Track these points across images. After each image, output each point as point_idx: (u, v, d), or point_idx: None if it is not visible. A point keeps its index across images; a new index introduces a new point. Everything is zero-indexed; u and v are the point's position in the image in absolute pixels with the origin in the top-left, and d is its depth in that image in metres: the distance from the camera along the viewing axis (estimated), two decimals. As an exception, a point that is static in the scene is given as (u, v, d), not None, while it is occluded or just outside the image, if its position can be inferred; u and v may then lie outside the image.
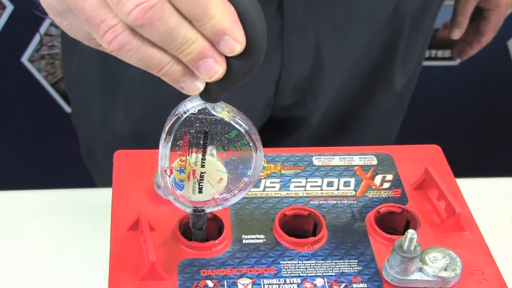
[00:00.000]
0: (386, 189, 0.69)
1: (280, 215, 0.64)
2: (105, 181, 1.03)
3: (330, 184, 0.69)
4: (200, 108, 0.52)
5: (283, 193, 0.67)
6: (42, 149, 1.61)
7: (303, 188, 0.68)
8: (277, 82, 0.90)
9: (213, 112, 0.52)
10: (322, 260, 0.61)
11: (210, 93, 0.50)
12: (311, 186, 0.68)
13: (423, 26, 0.96)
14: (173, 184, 0.56)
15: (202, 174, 0.55)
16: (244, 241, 0.62)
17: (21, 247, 0.78)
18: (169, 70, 0.48)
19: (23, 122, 1.58)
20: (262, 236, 0.63)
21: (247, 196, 0.66)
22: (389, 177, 0.70)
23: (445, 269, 0.59)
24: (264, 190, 0.67)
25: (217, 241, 0.61)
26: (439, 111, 1.72)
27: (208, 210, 0.58)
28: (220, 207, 0.58)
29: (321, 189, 0.68)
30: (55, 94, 1.54)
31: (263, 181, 0.68)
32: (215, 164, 0.55)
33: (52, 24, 1.42)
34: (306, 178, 0.69)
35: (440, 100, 1.71)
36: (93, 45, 0.51)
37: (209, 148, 0.54)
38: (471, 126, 1.76)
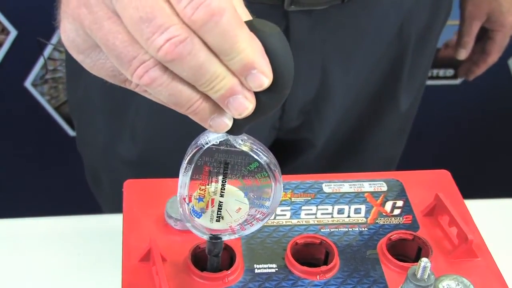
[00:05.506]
0: (397, 215, 0.69)
1: (292, 243, 0.64)
2: (111, 207, 1.03)
3: (340, 211, 0.68)
4: (221, 139, 0.52)
5: (294, 221, 0.67)
6: (46, 173, 1.61)
7: (314, 216, 0.68)
8: (283, 104, 0.90)
9: (234, 144, 0.52)
10: (335, 289, 0.61)
11: (233, 126, 0.50)
12: (322, 214, 0.68)
13: (427, 46, 0.96)
14: (191, 212, 0.56)
15: (221, 203, 0.55)
16: (256, 271, 0.62)
17: (27, 276, 0.77)
18: (199, 107, 0.48)
19: (27, 146, 1.58)
20: (274, 265, 0.63)
21: (258, 224, 0.66)
22: (400, 203, 0.70)
23: (459, 297, 0.59)
24: (275, 218, 0.67)
25: (229, 271, 0.61)
26: (441, 130, 1.72)
27: (224, 238, 0.58)
28: (236, 236, 0.57)
29: (332, 217, 0.68)
30: (58, 118, 1.54)
31: (273, 209, 0.68)
32: (234, 194, 0.55)
33: (56, 48, 1.42)
34: (317, 206, 0.69)
35: (442, 119, 1.71)
36: (116, 82, 0.50)
37: (228, 178, 0.54)
38: (474, 144, 1.76)
